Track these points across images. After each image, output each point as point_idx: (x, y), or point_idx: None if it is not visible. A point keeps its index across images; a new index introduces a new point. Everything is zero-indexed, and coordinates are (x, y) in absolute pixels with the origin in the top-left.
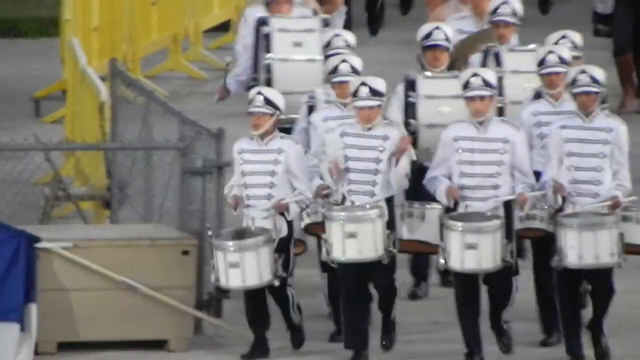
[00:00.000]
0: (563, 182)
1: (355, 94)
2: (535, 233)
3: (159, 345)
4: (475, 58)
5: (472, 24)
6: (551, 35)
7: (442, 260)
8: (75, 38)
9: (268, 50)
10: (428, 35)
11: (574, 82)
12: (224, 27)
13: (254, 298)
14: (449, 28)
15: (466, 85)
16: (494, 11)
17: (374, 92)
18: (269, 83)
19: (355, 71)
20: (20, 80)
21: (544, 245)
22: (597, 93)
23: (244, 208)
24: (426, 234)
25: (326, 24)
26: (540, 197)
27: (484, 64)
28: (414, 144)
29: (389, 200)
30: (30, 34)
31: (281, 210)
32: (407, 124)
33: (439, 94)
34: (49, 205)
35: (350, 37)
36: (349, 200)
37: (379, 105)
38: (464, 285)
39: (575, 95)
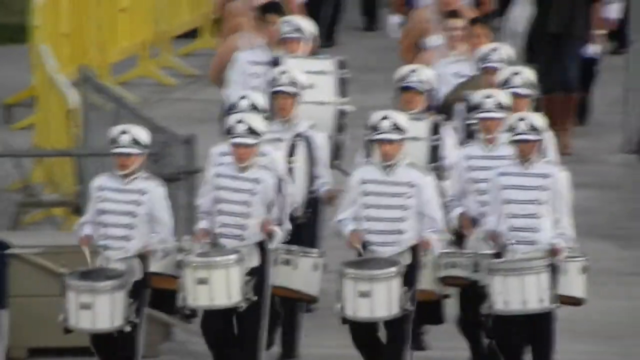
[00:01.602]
0: (503, 230)
1: (230, 131)
2: (458, 281)
3: None
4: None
5: (468, 67)
6: (502, 70)
7: (337, 307)
8: (44, 44)
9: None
10: (403, 78)
11: (512, 129)
12: (194, 33)
13: (101, 342)
14: (427, 71)
15: (376, 128)
16: (485, 57)
17: (251, 130)
18: None
19: (255, 108)
20: None
21: (469, 294)
22: (536, 141)
23: (99, 247)
24: (296, 282)
25: (342, 65)
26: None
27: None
28: None
29: (263, 244)
30: None
31: (147, 254)
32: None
33: None
34: (20, 211)
35: (299, 75)
36: (219, 243)
37: (256, 144)
38: (359, 332)
39: (513, 143)
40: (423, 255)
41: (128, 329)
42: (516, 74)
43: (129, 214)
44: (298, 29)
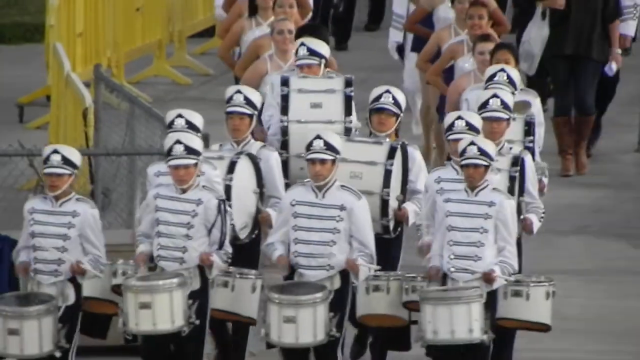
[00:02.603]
0: (445, 257)
1: (169, 152)
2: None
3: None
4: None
5: None
6: (483, 92)
7: (262, 332)
8: (59, 44)
9: (285, 111)
10: (377, 99)
11: (462, 154)
12: (208, 32)
13: None
14: (401, 93)
15: (308, 147)
16: (490, 78)
17: (190, 150)
18: (285, 146)
19: (191, 126)
20: (4, 87)
21: None
22: (486, 166)
23: (30, 271)
24: (233, 305)
25: (349, 83)
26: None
27: None
28: None
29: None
30: (14, 40)
31: (78, 273)
32: None
33: (354, 159)
34: None
35: (254, 95)
36: (158, 266)
37: (195, 164)
38: (290, 357)
39: (462, 167)
40: (353, 282)
41: (58, 354)
42: (495, 96)
43: (61, 236)
44: (314, 54)
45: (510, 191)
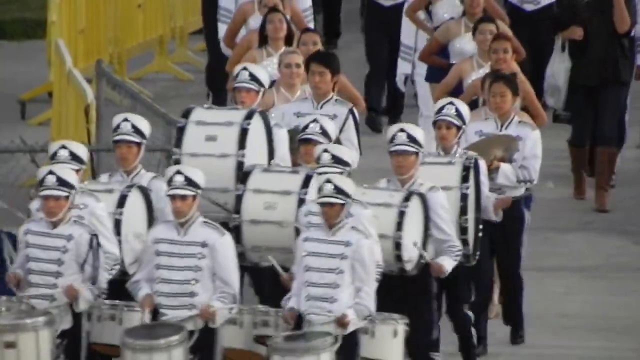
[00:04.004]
0: (301, 298)
1: (41, 183)
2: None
3: None
4: None
5: (493, 126)
6: (390, 127)
7: None
8: (61, 40)
9: (178, 144)
10: (304, 128)
11: (319, 191)
12: None
13: None
14: (330, 122)
15: (169, 183)
16: (439, 111)
17: (62, 182)
18: None
19: (75, 158)
20: (6, 83)
21: None
22: (342, 205)
23: None
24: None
25: (249, 115)
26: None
27: None
28: (238, 239)
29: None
30: (15, 37)
31: None
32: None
33: (269, 189)
34: None
35: (143, 123)
36: (29, 304)
37: (67, 197)
38: None
39: (319, 205)
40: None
41: None
42: (401, 130)
43: None
44: (254, 79)
45: (399, 227)
